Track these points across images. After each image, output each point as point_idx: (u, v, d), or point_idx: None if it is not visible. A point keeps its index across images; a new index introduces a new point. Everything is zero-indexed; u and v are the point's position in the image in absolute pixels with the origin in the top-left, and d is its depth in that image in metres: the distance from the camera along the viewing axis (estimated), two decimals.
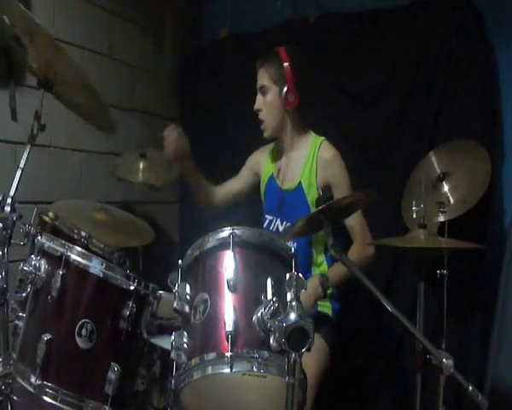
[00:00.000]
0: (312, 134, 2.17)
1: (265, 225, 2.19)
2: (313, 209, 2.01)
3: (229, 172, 3.10)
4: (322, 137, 2.14)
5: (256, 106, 2.13)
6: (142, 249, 2.47)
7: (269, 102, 2.10)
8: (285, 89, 2.04)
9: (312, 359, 1.80)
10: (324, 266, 2.09)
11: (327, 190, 2.04)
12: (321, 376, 1.88)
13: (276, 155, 2.25)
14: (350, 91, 2.75)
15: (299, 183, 2.09)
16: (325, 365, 1.92)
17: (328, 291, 2.08)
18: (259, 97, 2.12)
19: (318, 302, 2.05)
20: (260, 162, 2.33)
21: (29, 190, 2.30)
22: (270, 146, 2.31)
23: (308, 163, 2.09)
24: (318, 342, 1.91)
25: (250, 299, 1.29)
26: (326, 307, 2.07)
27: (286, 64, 2.04)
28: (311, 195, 2.07)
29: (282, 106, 2.07)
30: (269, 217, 2.18)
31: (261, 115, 2.12)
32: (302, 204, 2.06)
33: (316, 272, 2.08)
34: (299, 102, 2.06)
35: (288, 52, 2.08)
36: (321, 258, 2.09)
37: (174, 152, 2.12)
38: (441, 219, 2.10)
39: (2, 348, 1.58)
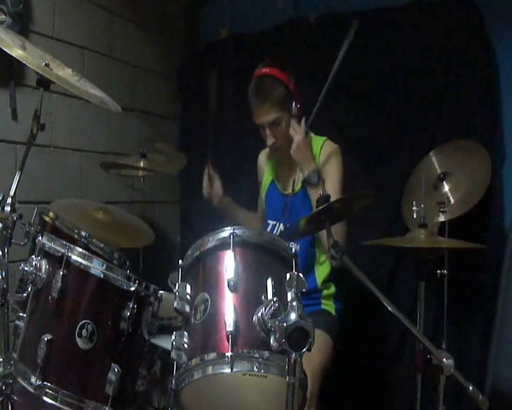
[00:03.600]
0: (313, 136, 2.14)
1: (268, 229, 2.17)
2: None
3: (230, 172, 3.11)
4: (324, 137, 2.12)
5: (270, 142, 2.02)
6: (142, 249, 2.47)
7: (283, 130, 2.00)
8: (294, 107, 1.98)
9: (317, 352, 1.80)
10: (327, 264, 2.08)
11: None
12: (324, 370, 1.89)
13: (276, 161, 2.23)
14: (350, 92, 2.75)
15: (302, 185, 2.07)
16: (329, 359, 1.93)
17: (331, 291, 2.09)
18: (270, 132, 2.01)
19: (322, 301, 2.07)
20: (261, 167, 2.32)
21: (29, 190, 2.31)
22: (268, 150, 2.30)
23: None
24: (322, 336, 1.92)
25: (250, 299, 1.30)
26: (329, 307, 2.08)
27: (290, 84, 1.97)
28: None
29: (295, 123, 2.00)
30: (272, 222, 2.17)
31: (278, 144, 2.04)
32: (306, 207, 2.03)
33: (318, 270, 2.08)
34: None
35: (277, 66, 1.98)
36: (324, 256, 2.08)
37: (209, 194, 2.25)
38: (441, 219, 2.10)
39: (3, 349, 1.57)
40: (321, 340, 1.89)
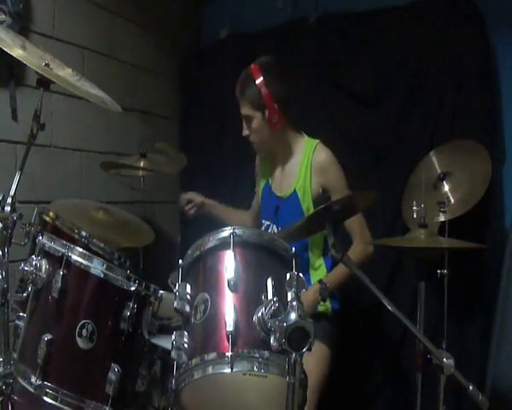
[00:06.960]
0: (306, 138, 2.12)
1: (263, 229, 2.18)
2: None
3: (230, 172, 3.12)
4: (317, 141, 2.09)
5: (244, 133, 2.09)
6: (142, 249, 2.47)
7: (255, 128, 2.04)
8: (267, 113, 1.98)
9: (314, 366, 1.80)
10: (322, 270, 2.08)
11: (325, 193, 2.03)
12: (323, 382, 1.89)
13: (271, 162, 2.22)
14: (350, 92, 2.75)
15: (294, 190, 2.06)
16: (327, 371, 1.93)
17: None
18: (245, 124, 2.07)
19: None
20: (258, 166, 2.33)
21: (29, 189, 2.31)
22: None
23: (302, 170, 2.06)
24: (320, 347, 1.91)
25: (250, 299, 1.30)
26: (325, 307, 2.06)
27: (263, 89, 1.95)
28: (306, 202, 2.04)
29: (269, 127, 2.02)
30: (266, 222, 2.18)
31: (251, 139, 2.09)
32: (297, 212, 2.03)
33: (314, 275, 2.07)
34: (284, 119, 2.01)
35: (263, 69, 1.97)
36: (319, 262, 2.08)
37: (194, 213, 2.40)
38: (442, 218, 2.10)
39: (3, 349, 1.58)
40: (318, 353, 1.89)
